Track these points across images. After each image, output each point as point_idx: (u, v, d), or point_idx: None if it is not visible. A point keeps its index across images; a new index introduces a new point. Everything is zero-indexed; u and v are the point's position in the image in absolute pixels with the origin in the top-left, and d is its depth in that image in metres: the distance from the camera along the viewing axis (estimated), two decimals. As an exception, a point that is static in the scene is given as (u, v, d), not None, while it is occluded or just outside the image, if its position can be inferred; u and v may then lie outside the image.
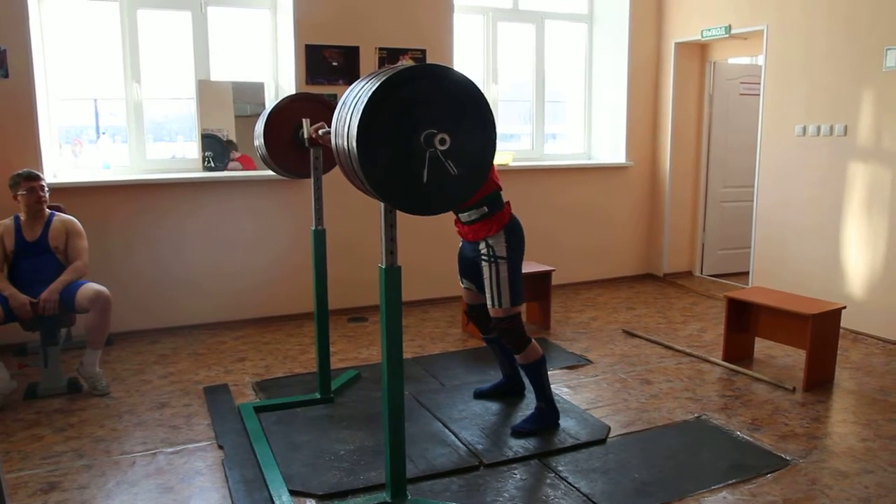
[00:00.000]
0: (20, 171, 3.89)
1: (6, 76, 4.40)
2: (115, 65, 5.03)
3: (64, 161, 5.06)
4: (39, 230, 3.90)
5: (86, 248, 4.02)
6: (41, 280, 3.81)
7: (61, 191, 4.51)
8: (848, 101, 4.87)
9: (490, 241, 3.26)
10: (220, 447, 3.22)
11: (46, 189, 3.95)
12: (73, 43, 5.01)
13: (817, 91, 5.09)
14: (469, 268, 3.49)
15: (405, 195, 2.24)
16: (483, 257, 3.29)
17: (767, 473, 2.97)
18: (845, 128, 4.89)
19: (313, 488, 2.85)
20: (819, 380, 3.97)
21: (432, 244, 5.43)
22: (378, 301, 2.65)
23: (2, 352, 3.84)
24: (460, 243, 3.54)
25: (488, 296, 3.30)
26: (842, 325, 4.11)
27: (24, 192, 3.84)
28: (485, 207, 3.24)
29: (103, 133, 5.29)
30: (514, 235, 3.30)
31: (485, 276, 3.30)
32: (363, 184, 2.24)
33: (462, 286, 3.64)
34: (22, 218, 3.91)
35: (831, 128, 4.99)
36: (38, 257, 3.88)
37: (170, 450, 3.21)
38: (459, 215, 3.34)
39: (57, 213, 4.05)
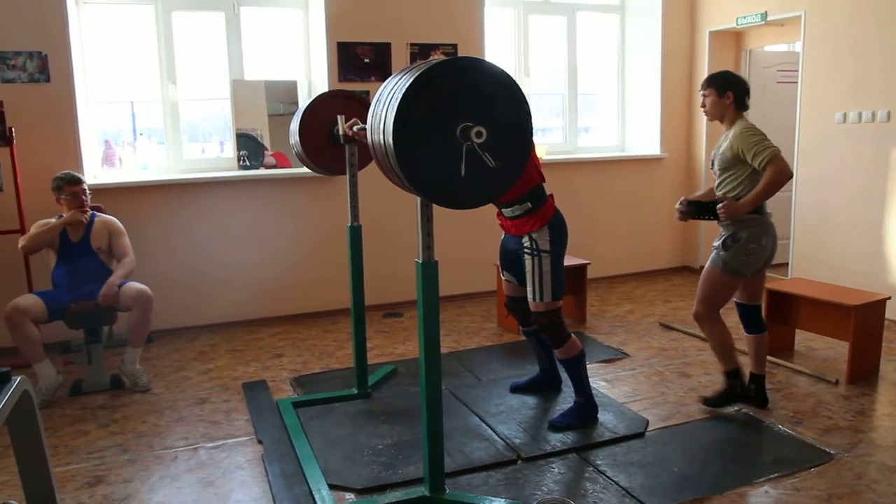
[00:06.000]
0: (62, 176, 3.96)
1: (48, 80, 4.49)
2: (151, 67, 5.12)
3: (102, 163, 5.16)
4: (82, 231, 3.99)
5: (130, 244, 4.11)
6: (86, 279, 3.90)
7: (101, 192, 4.59)
8: (890, 87, 4.74)
9: (534, 236, 3.24)
10: (260, 442, 3.27)
11: (88, 192, 4.04)
12: (111, 46, 5.10)
13: (858, 77, 4.96)
14: (511, 260, 3.48)
15: (444, 190, 2.24)
16: (526, 250, 3.27)
17: (811, 467, 2.92)
18: (888, 114, 4.76)
19: (352, 482, 2.88)
20: (863, 372, 3.89)
21: (466, 238, 5.42)
22: (413, 296, 2.65)
23: (48, 350, 3.92)
24: (502, 236, 3.53)
25: (530, 289, 3.28)
26: (886, 316, 4.01)
27: (67, 197, 3.92)
28: (528, 203, 3.21)
29: (140, 134, 5.38)
30: (558, 230, 3.27)
31: (527, 270, 3.28)
32: (401, 180, 2.24)
33: (503, 278, 3.63)
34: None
35: (873, 114, 4.87)
36: (81, 258, 3.97)
37: (210, 445, 3.26)
38: (503, 210, 3.32)
39: (98, 213, 4.13)
